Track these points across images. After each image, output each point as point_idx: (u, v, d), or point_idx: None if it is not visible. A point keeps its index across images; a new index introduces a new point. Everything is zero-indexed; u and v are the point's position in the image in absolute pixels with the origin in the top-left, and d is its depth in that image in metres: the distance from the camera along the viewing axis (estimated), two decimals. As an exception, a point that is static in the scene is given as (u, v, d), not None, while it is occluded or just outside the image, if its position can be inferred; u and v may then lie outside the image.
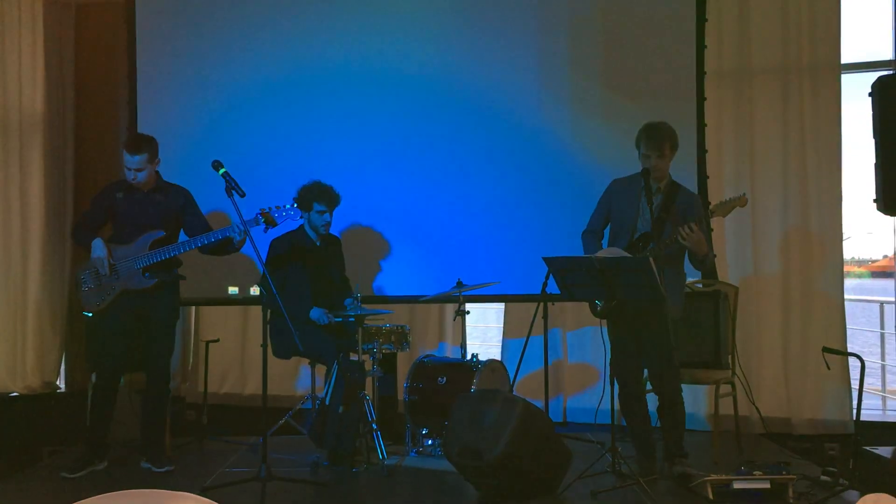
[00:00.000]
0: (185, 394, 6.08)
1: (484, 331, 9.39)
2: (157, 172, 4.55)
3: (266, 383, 4.14)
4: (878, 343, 7.17)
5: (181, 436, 5.28)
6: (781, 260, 5.59)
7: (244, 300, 5.46)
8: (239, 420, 5.83)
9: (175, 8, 5.63)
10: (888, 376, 6.64)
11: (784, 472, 3.89)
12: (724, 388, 4.82)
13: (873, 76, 4.65)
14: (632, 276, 3.90)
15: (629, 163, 4.37)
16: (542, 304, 4.91)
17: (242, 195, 4.08)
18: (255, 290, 5.34)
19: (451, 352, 5.86)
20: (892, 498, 1.99)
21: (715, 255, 4.37)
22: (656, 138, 4.18)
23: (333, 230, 5.12)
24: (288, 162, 5.47)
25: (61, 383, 6.07)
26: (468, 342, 5.08)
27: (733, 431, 4.97)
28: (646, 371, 4.43)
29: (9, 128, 5.90)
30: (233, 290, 5.40)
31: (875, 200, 4.55)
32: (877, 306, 7.41)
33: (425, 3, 5.54)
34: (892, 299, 5.86)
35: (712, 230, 4.32)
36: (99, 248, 4.41)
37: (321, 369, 4.91)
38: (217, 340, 5.57)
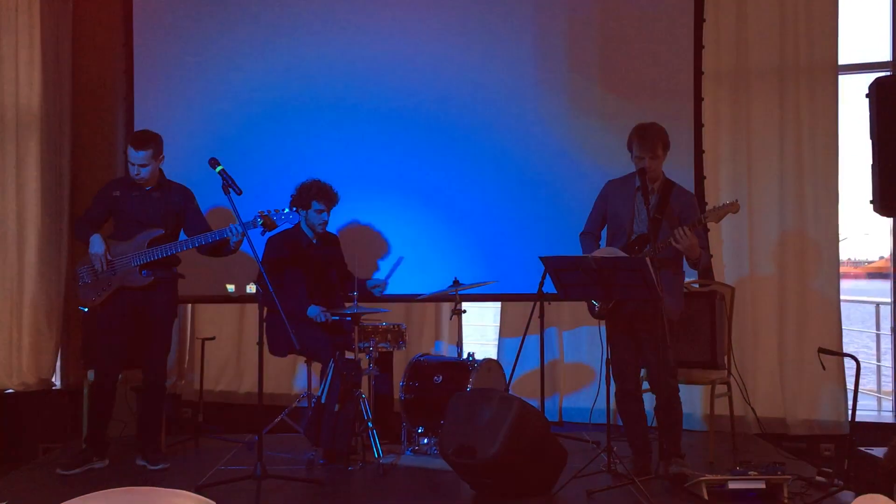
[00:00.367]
0: (181, 391, 6.08)
1: (480, 330, 9.38)
2: (160, 170, 4.55)
3: (262, 381, 4.14)
4: (874, 344, 7.19)
5: (177, 433, 5.29)
6: (778, 260, 5.59)
7: (241, 298, 5.45)
8: (235, 418, 5.83)
9: (172, 5, 5.63)
10: (883, 377, 6.65)
11: (779, 473, 3.89)
12: (720, 389, 4.83)
13: (870, 77, 4.66)
14: (628, 275, 3.90)
15: (627, 162, 4.36)
16: (538, 303, 4.92)
17: (239, 193, 4.09)
18: (251, 288, 5.34)
19: (447, 351, 5.86)
20: (887, 499, 2.00)
21: (711, 256, 4.37)
22: (648, 139, 4.17)
23: (331, 228, 5.12)
24: (286, 159, 5.47)
25: (57, 380, 6.06)
26: (464, 341, 5.08)
27: (729, 431, 4.97)
28: (643, 371, 4.43)
29: (5, 125, 5.88)
30: (230, 287, 5.40)
31: (871, 202, 4.56)
32: (872, 307, 7.42)
33: (424, 5, 5.54)
34: (888, 300, 5.86)
35: (708, 230, 4.32)
36: (97, 243, 4.41)
37: (317, 367, 4.91)
38: (213, 338, 5.58)
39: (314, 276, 4.97)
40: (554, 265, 4.08)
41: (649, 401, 4.39)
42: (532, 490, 3.93)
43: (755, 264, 5.62)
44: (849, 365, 4.51)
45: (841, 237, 5.59)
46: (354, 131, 5.48)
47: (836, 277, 5.55)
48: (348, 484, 4.28)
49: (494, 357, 5.40)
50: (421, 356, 5.03)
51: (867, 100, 4.58)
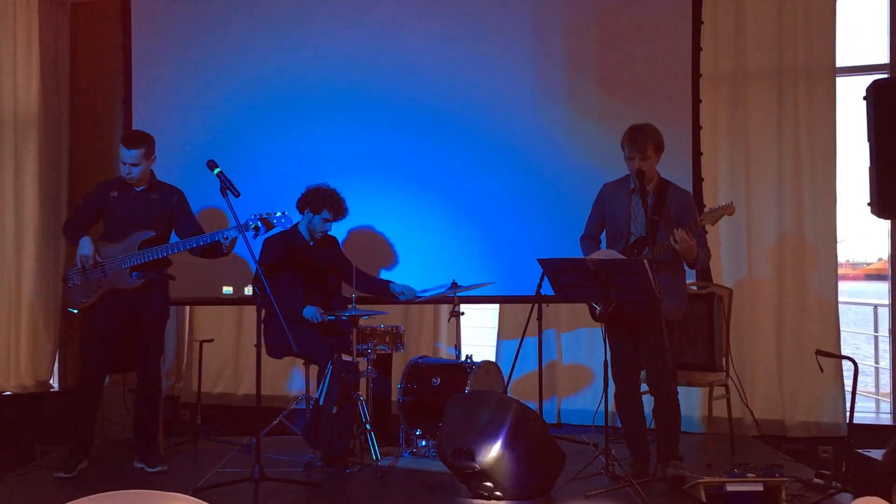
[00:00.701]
0: (178, 393, 6.08)
1: (479, 332, 9.38)
2: (151, 171, 4.54)
3: (260, 383, 4.13)
4: (872, 346, 7.19)
5: (175, 436, 5.28)
6: (776, 262, 5.59)
7: (238, 300, 5.45)
8: (233, 420, 5.83)
9: (171, 5, 5.63)
10: (881, 379, 6.64)
11: (777, 475, 3.89)
12: (718, 391, 4.83)
13: (868, 80, 4.66)
14: (626, 277, 3.90)
15: (624, 164, 4.37)
16: (536, 305, 4.92)
17: (237, 195, 4.09)
18: (248, 290, 5.33)
19: (445, 353, 5.86)
20: (885, 501, 2.00)
21: (709, 256, 4.38)
22: (639, 140, 4.18)
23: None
24: (284, 162, 5.47)
25: (54, 382, 6.06)
26: (463, 343, 5.08)
27: (727, 433, 4.97)
28: (643, 373, 4.44)
29: (4, 127, 5.89)
30: (227, 289, 5.39)
31: (869, 204, 4.56)
32: (871, 309, 7.42)
33: (423, 6, 5.53)
34: (886, 302, 5.86)
35: (706, 231, 4.33)
36: (85, 246, 4.39)
37: (315, 369, 4.90)
38: (211, 340, 5.58)
39: (310, 277, 4.96)
40: (552, 267, 4.08)
41: (648, 403, 4.40)
42: (530, 492, 3.93)
43: (753, 266, 5.62)
44: (847, 367, 4.50)
45: (839, 239, 5.60)
46: (353, 134, 5.48)
47: (835, 279, 5.55)
48: (346, 486, 4.28)
49: (493, 359, 5.39)
50: (419, 358, 5.02)
51: (865, 102, 4.58)
